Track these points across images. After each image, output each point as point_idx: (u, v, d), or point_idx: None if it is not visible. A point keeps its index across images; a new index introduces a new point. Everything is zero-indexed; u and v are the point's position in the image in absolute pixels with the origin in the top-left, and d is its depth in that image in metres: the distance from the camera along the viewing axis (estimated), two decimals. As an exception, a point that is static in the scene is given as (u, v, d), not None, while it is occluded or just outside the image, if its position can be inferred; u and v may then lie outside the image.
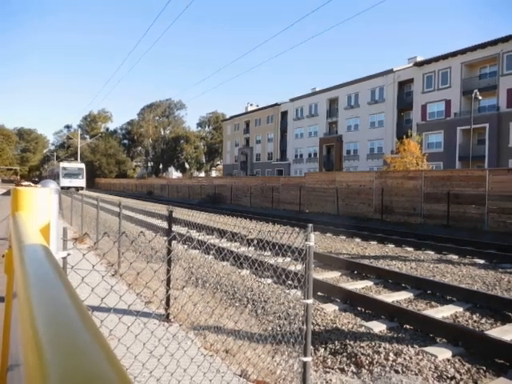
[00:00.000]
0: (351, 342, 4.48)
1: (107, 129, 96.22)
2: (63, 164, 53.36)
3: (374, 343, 4.44)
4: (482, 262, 9.42)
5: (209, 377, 3.41)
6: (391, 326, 5.06)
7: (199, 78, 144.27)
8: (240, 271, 7.51)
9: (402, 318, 5.22)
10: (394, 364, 4.02)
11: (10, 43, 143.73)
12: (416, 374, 3.83)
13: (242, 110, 70.61)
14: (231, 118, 71.75)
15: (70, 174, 50.50)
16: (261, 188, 30.13)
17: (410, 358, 4.10)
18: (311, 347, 3.76)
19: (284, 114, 57.54)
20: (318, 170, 45.06)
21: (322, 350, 4.43)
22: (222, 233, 9.66)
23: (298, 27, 69.11)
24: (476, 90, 27.94)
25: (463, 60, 35.38)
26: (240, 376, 3.65)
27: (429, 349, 4.31)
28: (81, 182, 51.67)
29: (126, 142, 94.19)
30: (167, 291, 4.86)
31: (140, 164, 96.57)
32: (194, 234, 11.74)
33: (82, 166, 53.93)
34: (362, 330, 4.88)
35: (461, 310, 5.78)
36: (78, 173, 51.76)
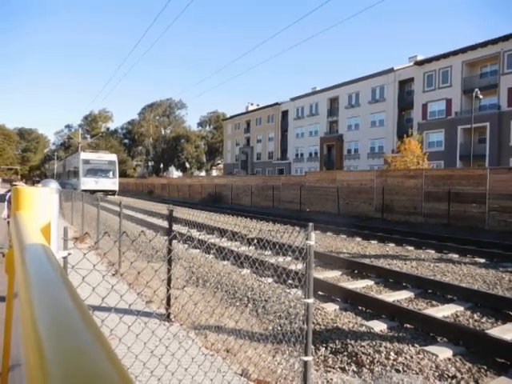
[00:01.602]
0: (352, 342, 4.48)
1: (108, 128, 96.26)
2: (85, 155, 34.81)
3: (374, 342, 4.44)
4: (482, 260, 9.41)
5: (210, 376, 3.41)
6: (392, 325, 5.06)
7: (200, 77, 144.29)
8: (240, 270, 7.51)
9: (402, 317, 5.21)
10: (394, 363, 4.02)
11: (10, 43, 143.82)
12: (417, 374, 3.83)
13: (242, 110, 70.62)
14: (232, 117, 71.72)
15: (96, 171, 33.45)
16: (261, 187, 30.14)
17: (411, 358, 4.10)
18: (312, 346, 3.76)
19: (285, 114, 57.50)
20: (319, 169, 45.05)
21: (323, 350, 4.43)
22: (222, 232, 9.66)
23: (298, 27, 69.04)
24: (477, 89, 27.89)
25: (464, 59, 35.33)
26: (241, 375, 3.65)
27: (430, 348, 4.31)
28: (112, 182, 34.14)
29: (126, 141, 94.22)
30: (168, 291, 4.86)
31: (140, 163, 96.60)
32: (195, 233, 11.75)
33: (114, 157, 35.87)
34: (363, 329, 4.88)
35: (461, 309, 5.78)
36: (108, 169, 34.37)
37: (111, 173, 34.32)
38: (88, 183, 32.03)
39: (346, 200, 22.36)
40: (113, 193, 33.31)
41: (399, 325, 5.09)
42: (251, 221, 17.31)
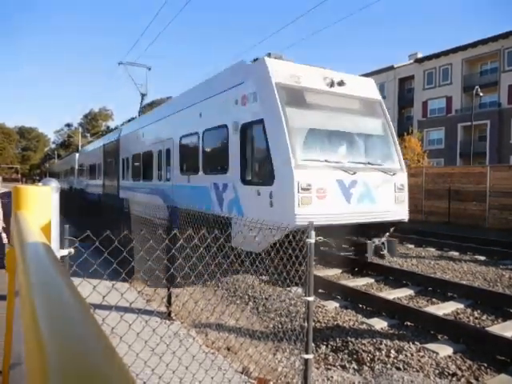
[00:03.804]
0: (352, 339, 4.48)
1: (108, 127, 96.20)
2: (286, 69, 6.91)
3: (375, 340, 4.44)
4: (482, 258, 9.41)
5: (210, 374, 3.42)
6: (392, 323, 5.07)
7: (199, 76, 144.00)
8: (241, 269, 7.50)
9: (403, 315, 5.22)
10: (395, 361, 4.03)
11: (11, 43, 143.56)
12: (417, 371, 3.84)
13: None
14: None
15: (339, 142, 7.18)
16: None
17: (412, 355, 4.11)
18: (312, 344, 3.76)
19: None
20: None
21: (324, 347, 4.44)
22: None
23: (298, 25, 68.85)
24: (477, 87, 27.86)
25: (464, 56, 35.28)
26: (241, 373, 3.66)
27: (430, 346, 4.31)
28: (397, 189, 7.24)
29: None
30: (168, 289, 4.86)
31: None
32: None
33: (375, 92, 8.07)
34: (364, 327, 4.89)
35: (462, 306, 5.78)
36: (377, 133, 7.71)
37: (389, 150, 7.81)
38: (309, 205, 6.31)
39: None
40: (396, 225, 7.61)
41: (399, 323, 5.10)
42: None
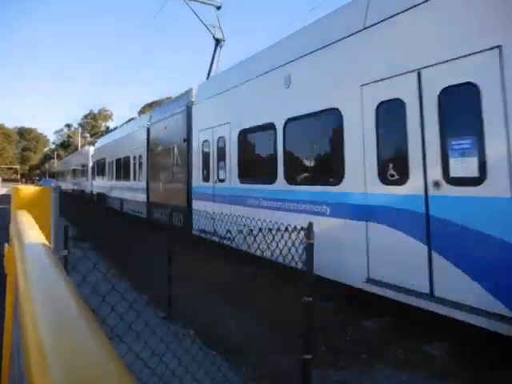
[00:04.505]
0: (352, 339, 4.48)
1: (108, 127, 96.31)
2: None
3: (375, 340, 4.44)
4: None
5: (211, 375, 3.42)
6: (393, 322, 5.05)
7: (199, 75, 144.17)
8: (241, 268, 7.50)
9: (403, 314, 5.20)
10: (395, 361, 4.03)
11: (12, 36, 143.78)
12: (418, 371, 3.84)
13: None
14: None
15: None
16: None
17: (412, 355, 4.11)
18: (312, 344, 3.76)
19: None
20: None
21: (324, 348, 4.43)
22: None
23: (298, 24, 68.92)
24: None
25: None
26: (241, 373, 3.66)
27: (429, 347, 4.31)
28: None
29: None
30: (169, 289, 4.87)
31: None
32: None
33: None
34: (363, 326, 4.88)
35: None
36: None
37: None
38: None
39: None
40: None
41: (400, 322, 5.08)
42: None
